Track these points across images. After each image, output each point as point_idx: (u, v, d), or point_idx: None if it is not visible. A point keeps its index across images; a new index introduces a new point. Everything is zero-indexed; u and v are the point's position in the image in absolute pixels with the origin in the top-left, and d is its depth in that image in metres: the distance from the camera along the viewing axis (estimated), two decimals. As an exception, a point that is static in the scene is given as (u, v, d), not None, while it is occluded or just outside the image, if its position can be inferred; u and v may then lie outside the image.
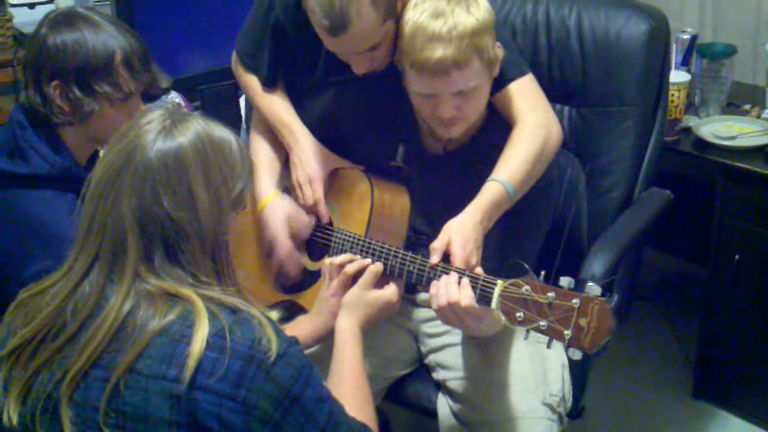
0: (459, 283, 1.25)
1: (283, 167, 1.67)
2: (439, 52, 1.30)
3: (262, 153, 1.66)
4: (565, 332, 1.13)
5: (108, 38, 1.40)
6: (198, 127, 1.04)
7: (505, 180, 1.39)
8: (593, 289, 1.13)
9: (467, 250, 1.30)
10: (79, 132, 1.45)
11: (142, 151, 1.01)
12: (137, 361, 0.96)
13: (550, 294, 1.15)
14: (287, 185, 1.65)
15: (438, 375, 1.58)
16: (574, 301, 1.13)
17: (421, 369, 1.64)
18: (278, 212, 1.57)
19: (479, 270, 1.28)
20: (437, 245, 1.32)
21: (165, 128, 1.03)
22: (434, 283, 1.28)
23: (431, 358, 1.60)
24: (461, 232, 1.32)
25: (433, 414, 1.57)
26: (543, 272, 1.20)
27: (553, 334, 1.15)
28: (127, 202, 1.00)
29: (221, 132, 1.07)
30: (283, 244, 1.55)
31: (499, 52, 1.40)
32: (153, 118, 1.05)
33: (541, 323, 1.16)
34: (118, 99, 1.41)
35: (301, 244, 1.60)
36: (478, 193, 1.39)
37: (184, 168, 1.01)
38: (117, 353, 0.97)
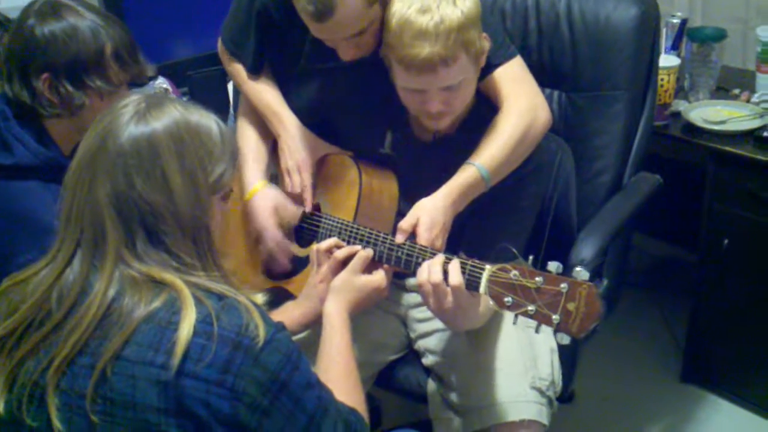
0: (448, 266, 1.25)
1: (270, 154, 1.66)
2: (426, 49, 1.29)
3: (250, 141, 1.66)
4: (554, 317, 1.13)
5: (98, 30, 1.37)
6: (174, 111, 1.03)
7: (482, 165, 1.40)
8: (581, 273, 1.13)
9: (433, 233, 1.33)
10: (67, 124, 1.42)
11: (114, 136, 1.01)
12: (124, 347, 0.96)
13: (538, 279, 1.15)
14: (275, 172, 1.64)
15: (427, 360, 1.58)
16: (562, 285, 1.13)
17: (411, 354, 1.64)
18: (266, 203, 1.56)
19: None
20: (405, 226, 1.34)
21: (138, 112, 1.02)
22: (421, 266, 1.28)
23: (420, 344, 1.60)
24: (430, 214, 1.35)
25: (423, 399, 1.58)
26: (531, 257, 1.20)
27: (541, 318, 1.15)
28: (102, 187, 1.00)
29: (199, 116, 1.06)
30: (272, 234, 1.55)
31: (486, 43, 1.39)
32: (128, 102, 1.04)
33: (530, 308, 1.15)
34: (108, 92, 1.40)
35: (290, 231, 1.59)
36: (453, 176, 1.40)
37: (157, 152, 1.00)
38: (103, 340, 0.97)
